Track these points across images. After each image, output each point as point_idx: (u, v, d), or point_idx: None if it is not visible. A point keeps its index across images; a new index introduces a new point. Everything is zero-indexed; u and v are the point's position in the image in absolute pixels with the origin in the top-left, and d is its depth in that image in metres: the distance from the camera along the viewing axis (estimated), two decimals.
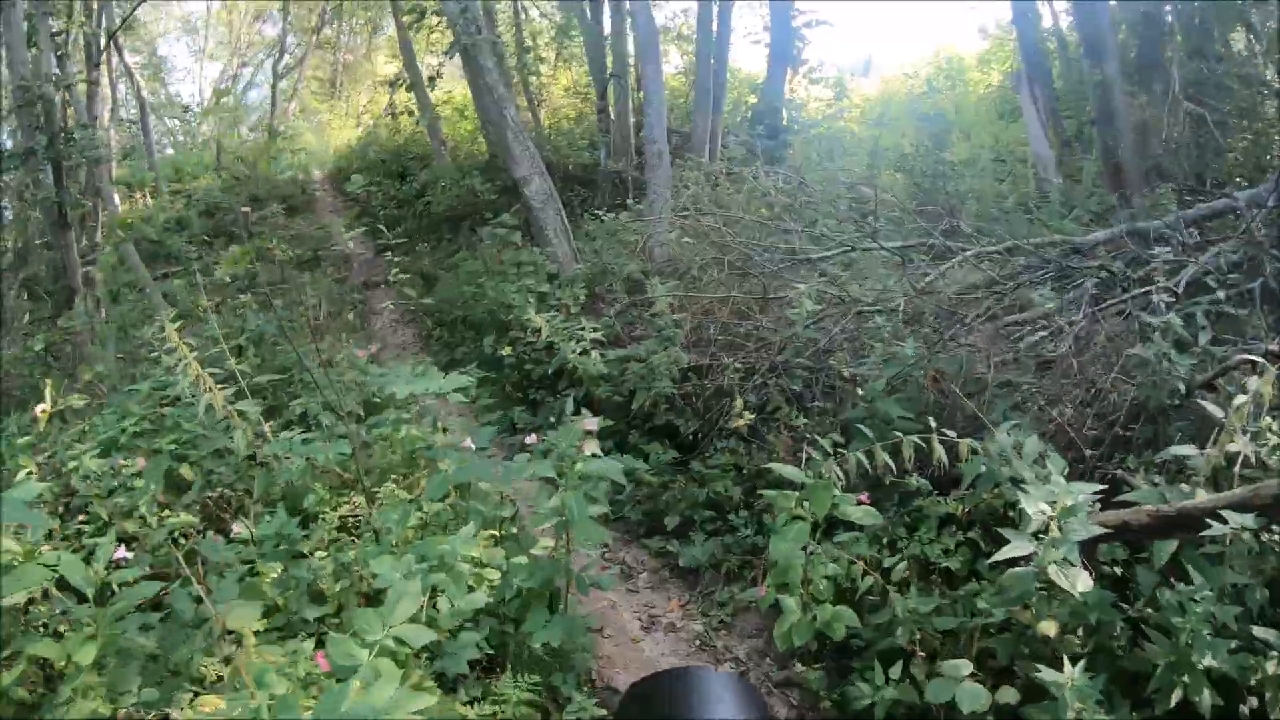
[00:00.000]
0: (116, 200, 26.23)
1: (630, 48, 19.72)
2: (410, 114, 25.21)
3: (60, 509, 6.55)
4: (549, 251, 13.10)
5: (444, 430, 7.32)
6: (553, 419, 9.49)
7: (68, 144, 14.41)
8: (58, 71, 14.85)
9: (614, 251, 12.87)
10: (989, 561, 4.73)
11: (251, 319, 11.54)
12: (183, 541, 5.78)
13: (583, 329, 10.08)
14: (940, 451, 5.29)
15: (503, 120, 13.14)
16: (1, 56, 15.78)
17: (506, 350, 10.73)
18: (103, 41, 24.50)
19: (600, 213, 14.64)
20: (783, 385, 8.15)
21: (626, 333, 10.75)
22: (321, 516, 6.09)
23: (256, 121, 33.97)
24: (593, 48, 21.03)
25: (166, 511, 6.29)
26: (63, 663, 3.94)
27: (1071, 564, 4.29)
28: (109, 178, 22.97)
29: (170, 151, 31.44)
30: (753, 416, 7.85)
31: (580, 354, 9.79)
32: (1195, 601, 4.23)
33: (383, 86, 29.30)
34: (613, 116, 20.44)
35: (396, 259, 20.53)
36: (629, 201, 17.08)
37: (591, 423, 5.69)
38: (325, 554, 5.49)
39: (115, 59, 27.39)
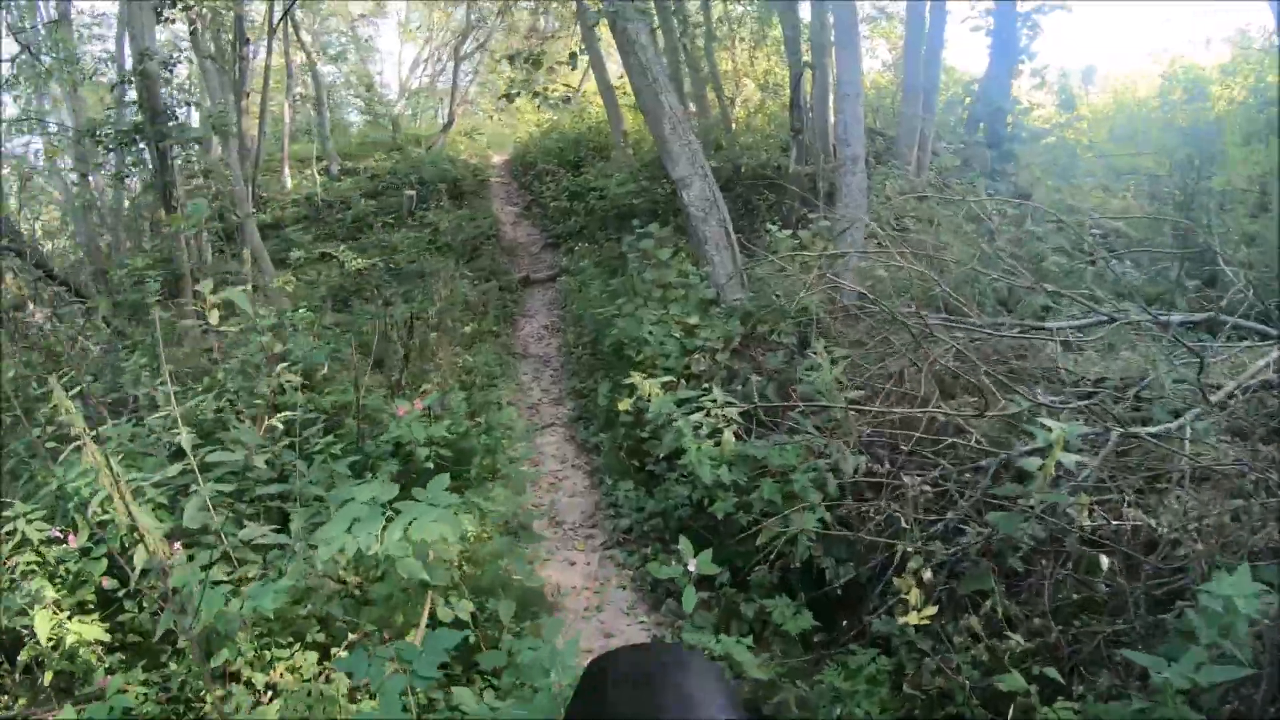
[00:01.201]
0: (288, 176, 25.31)
1: (832, 36, 17.30)
2: (567, 100, 23.38)
3: None
4: (707, 272, 10.74)
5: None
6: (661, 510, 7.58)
7: (168, 123, 12.82)
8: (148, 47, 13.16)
9: (788, 279, 10.48)
10: None
11: (303, 341, 9.07)
12: None
13: (712, 398, 7.43)
14: None
15: (658, 108, 10.75)
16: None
17: (624, 405, 8.05)
18: (275, 18, 23.53)
19: (777, 227, 12.31)
20: (990, 542, 4.96)
21: (781, 402, 7.87)
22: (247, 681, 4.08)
23: (438, 103, 33.03)
24: (789, 31, 18.62)
25: None
26: None
27: None
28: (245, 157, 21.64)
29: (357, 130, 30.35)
30: (930, 611, 4.76)
31: (705, 438, 7.13)
32: None
33: (562, 66, 27.93)
34: (808, 113, 18.03)
35: (558, 257, 18.93)
36: (815, 214, 14.89)
37: (691, 563, 4.64)
38: None
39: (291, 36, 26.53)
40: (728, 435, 6.93)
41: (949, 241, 10.25)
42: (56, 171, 21.37)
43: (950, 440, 5.99)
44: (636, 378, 7.72)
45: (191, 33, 16.60)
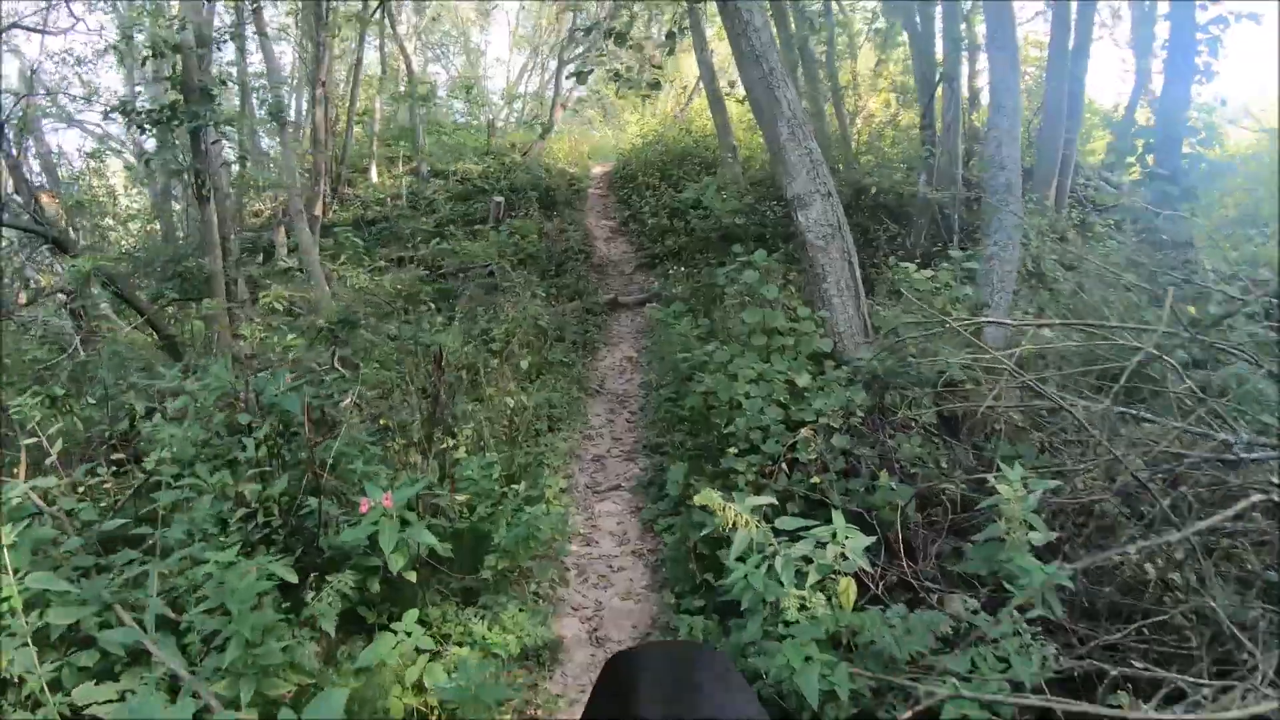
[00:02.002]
0: (375, 174, 23.86)
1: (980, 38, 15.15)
2: (655, 85, 21.35)
3: None
4: (823, 317, 8.53)
5: None
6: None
7: (204, 103, 11.06)
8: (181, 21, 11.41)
9: (925, 331, 8.31)
10: None
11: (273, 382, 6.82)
12: None
13: (829, 531, 4.74)
14: None
15: (773, 105, 8.66)
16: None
17: (701, 499, 5.15)
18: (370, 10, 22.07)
19: (913, 264, 10.15)
20: None
21: (921, 519, 5.76)
22: None
23: (539, 109, 31.43)
24: (920, 41, 16.40)
25: None
26: None
27: None
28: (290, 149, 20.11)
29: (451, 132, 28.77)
30: None
31: (810, 587, 4.57)
32: None
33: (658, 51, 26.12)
34: (938, 132, 15.90)
35: (651, 279, 17.02)
36: (952, 248, 12.74)
37: None
38: None
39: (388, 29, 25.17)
40: (846, 591, 4.53)
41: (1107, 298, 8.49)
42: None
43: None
44: (711, 499, 5.00)
45: (255, 10, 14.94)
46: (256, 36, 16.02)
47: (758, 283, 8.42)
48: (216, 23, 13.87)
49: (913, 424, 6.81)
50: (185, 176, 11.87)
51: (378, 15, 23.41)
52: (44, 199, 14.89)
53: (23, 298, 12.28)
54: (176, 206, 21.68)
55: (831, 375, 7.62)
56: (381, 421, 7.72)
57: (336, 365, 8.51)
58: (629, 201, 21.46)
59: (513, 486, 7.01)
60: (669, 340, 10.90)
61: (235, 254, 12.79)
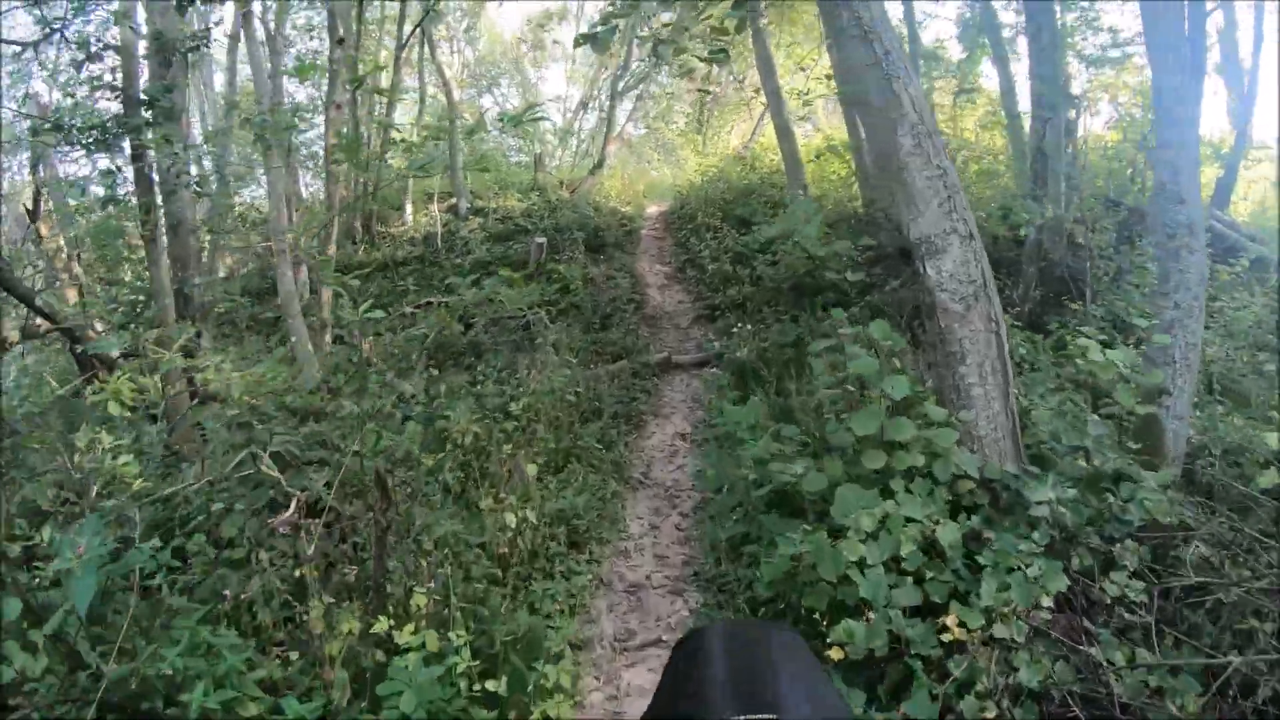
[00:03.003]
0: (409, 211, 21.56)
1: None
2: (722, 52, 18.99)
3: None
4: (963, 419, 5.86)
5: None
6: None
7: (146, 117, 8.71)
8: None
9: (1093, 432, 5.65)
10: None
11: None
12: None
13: None
14: None
15: (891, 105, 5.96)
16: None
17: None
18: (405, 31, 19.85)
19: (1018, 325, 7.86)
20: None
21: None
22: None
23: (593, 146, 29.20)
24: (1040, 54, 13.80)
25: None
26: None
27: None
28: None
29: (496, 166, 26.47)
30: None
31: None
32: None
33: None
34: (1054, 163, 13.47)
35: (711, 334, 14.49)
36: (1082, 306, 10.30)
37: None
38: None
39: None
40: None
41: None
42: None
43: None
44: None
45: (245, 15, 12.61)
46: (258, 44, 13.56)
47: (874, 375, 5.76)
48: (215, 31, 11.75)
49: (1133, 612, 4.13)
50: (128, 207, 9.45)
51: (414, 39, 21.24)
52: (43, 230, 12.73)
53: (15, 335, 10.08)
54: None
55: (995, 523, 4.94)
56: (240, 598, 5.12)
57: (265, 465, 5.94)
58: (687, 244, 18.93)
59: (487, 686, 4.44)
60: (733, 447, 7.93)
61: (215, 298, 10.39)
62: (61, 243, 13.96)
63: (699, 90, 16.55)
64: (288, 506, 6.75)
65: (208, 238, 20.75)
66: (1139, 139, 16.37)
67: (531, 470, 7.94)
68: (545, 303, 15.40)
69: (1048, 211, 12.24)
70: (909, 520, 4.96)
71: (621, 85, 25.67)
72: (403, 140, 19.00)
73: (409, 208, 21.57)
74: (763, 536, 5.90)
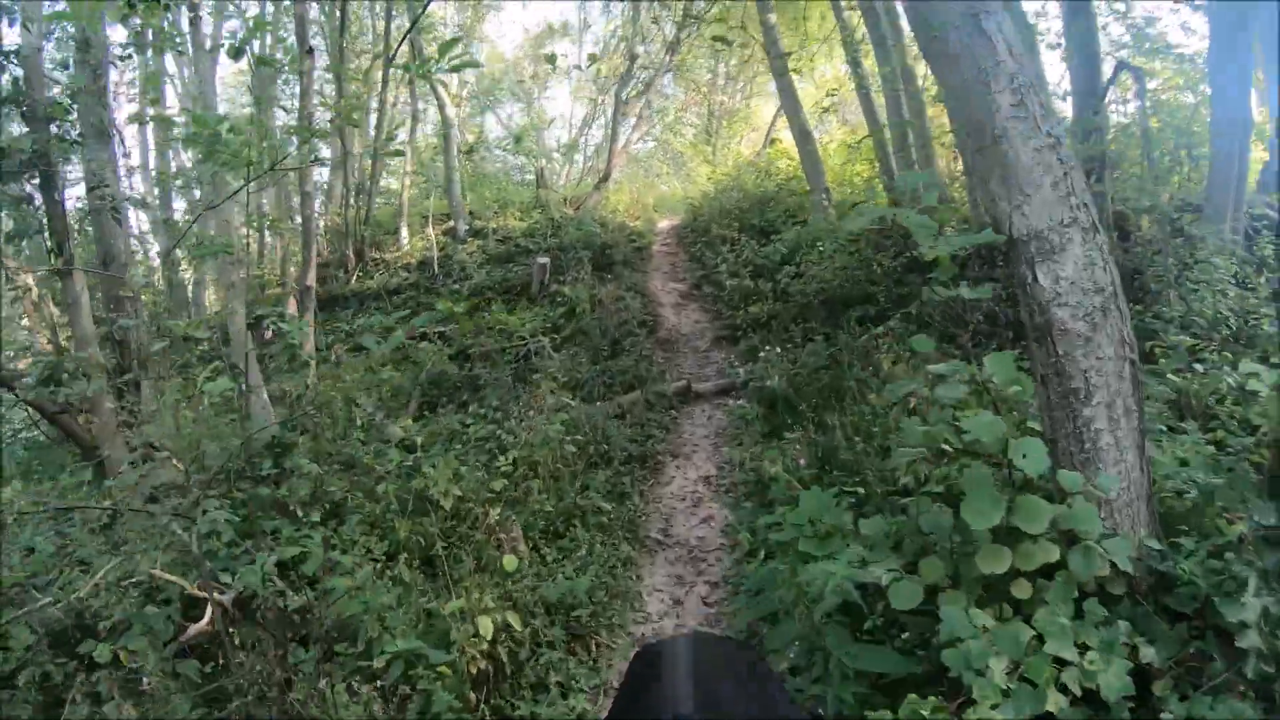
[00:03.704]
0: (405, 234, 20.06)
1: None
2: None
3: None
4: (1091, 481, 4.12)
5: None
6: None
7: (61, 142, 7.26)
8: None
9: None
10: None
11: None
12: None
13: None
14: None
15: (981, 50, 4.30)
16: None
17: None
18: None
19: None
20: None
21: None
22: None
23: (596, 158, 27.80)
24: (1082, 36, 12.19)
25: None
26: None
27: None
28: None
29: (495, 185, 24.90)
30: None
31: None
32: None
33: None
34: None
35: (734, 357, 12.90)
36: (1144, 309, 9.37)
37: None
38: None
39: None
40: None
41: None
42: None
43: None
44: None
45: (192, 20, 11.04)
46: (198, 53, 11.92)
47: (994, 437, 4.10)
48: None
49: None
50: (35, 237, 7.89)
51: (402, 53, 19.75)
52: None
53: None
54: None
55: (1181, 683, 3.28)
56: None
57: (160, 570, 4.35)
58: (702, 259, 17.36)
59: None
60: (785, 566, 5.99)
61: (145, 341, 8.82)
62: None
63: (716, 41, 15.14)
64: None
65: (189, 271, 19.46)
66: (1178, 125, 14.87)
67: (510, 563, 6.26)
68: (549, 329, 13.91)
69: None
70: (1057, 660, 3.33)
71: (625, 95, 24.11)
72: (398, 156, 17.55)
73: (404, 231, 20.02)
74: (831, 674, 4.18)
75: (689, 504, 8.86)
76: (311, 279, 13.19)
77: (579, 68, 26.18)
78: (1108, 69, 12.94)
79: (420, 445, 8.36)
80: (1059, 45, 12.97)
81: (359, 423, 10.19)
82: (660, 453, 9.96)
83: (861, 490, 6.59)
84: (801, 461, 8.22)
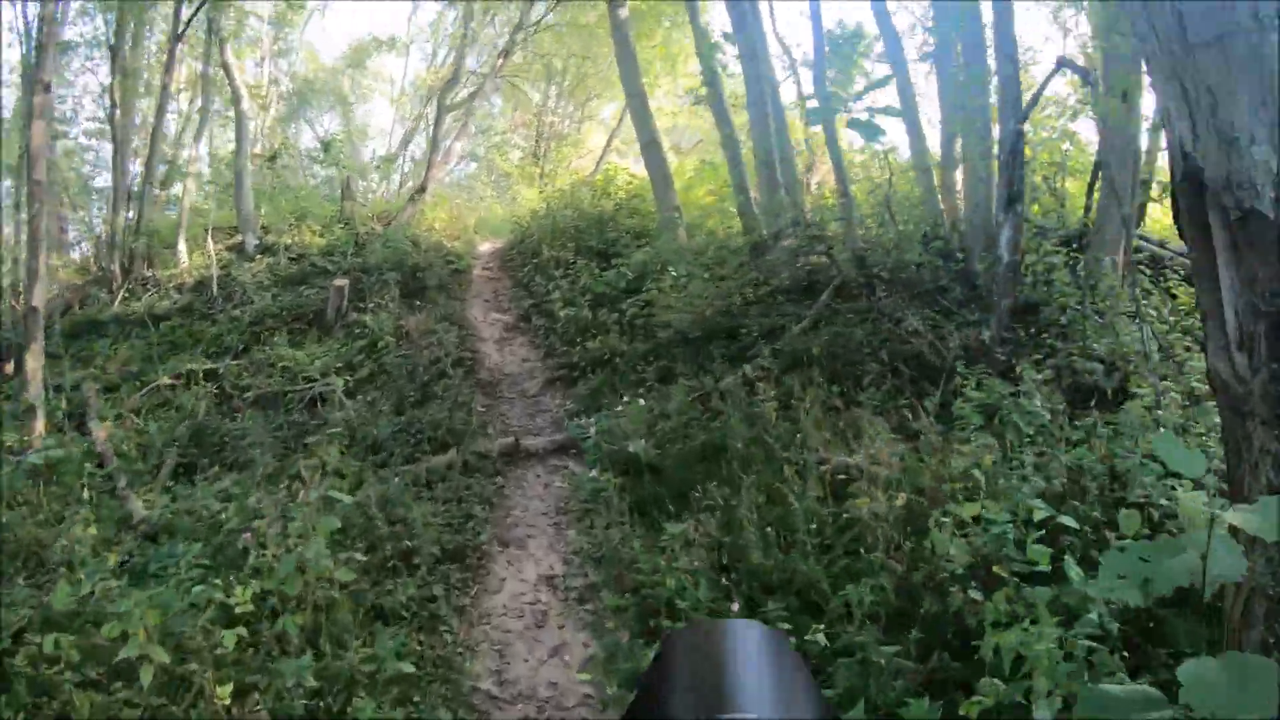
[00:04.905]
0: (183, 250, 16.76)
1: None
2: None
3: None
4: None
5: None
6: None
7: None
8: None
9: None
10: None
11: None
12: None
13: None
14: None
15: None
16: None
17: None
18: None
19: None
20: None
21: None
22: None
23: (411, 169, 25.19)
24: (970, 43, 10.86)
25: None
26: None
27: None
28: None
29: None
30: None
31: None
32: None
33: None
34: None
35: (572, 404, 10.43)
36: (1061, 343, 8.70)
37: None
38: None
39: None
40: None
41: None
42: None
43: None
44: None
45: None
46: None
47: None
48: None
49: None
50: None
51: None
52: None
53: None
54: None
55: None
56: None
57: None
58: (530, 285, 14.72)
59: None
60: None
61: None
62: None
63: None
64: None
65: None
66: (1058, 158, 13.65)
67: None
68: (344, 367, 11.10)
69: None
70: None
71: (449, 100, 21.41)
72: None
73: (182, 245, 16.65)
74: None
75: (529, 624, 6.16)
76: (40, 298, 10.20)
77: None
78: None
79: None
80: None
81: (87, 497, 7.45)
82: (485, 544, 7.23)
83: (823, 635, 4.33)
84: (696, 563, 5.80)
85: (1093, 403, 7.58)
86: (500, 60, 21.96)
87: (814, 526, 6.09)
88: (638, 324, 11.70)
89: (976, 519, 5.24)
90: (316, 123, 31.17)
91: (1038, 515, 4.89)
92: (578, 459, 8.91)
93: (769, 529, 6.08)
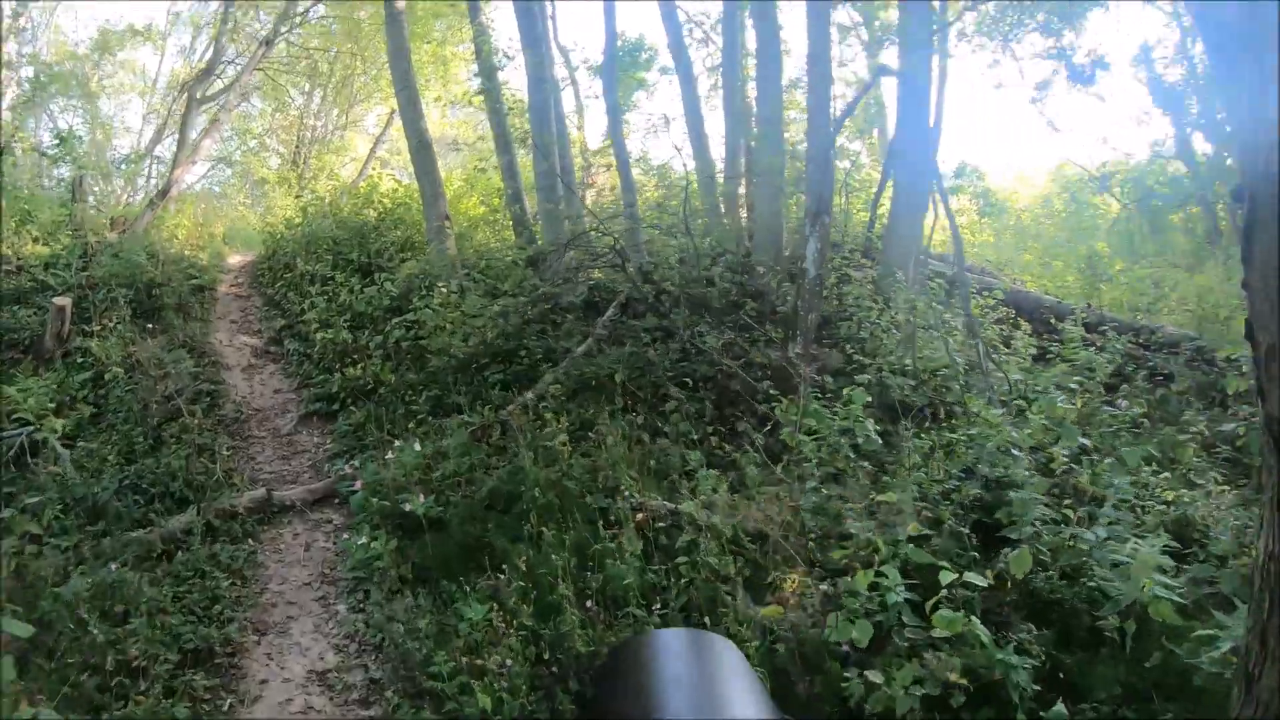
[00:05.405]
0: None
1: None
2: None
3: None
4: None
5: None
6: None
7: None
8: None
9: None
10: None
11: None
12: None
13: None
14: None
15: None
16: None
17: None
18: None
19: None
20: None
21: None
22: None
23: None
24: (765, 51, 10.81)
25: None
26: None
27: None
28: None
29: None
30: None
31: None
32: None
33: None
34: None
35: (333, 442, 9.17)
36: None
37: None
38: None
39: None
40: None
41: None
42: None
43: None
44: None
45: None
46: None
47: None
48: None
49: None
50: None
51: None
52: None
53: None
54: None
55: None
56: None
57: None
58: (283, 304, 13.28)
59: None
60: None
61: None
62: None
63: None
64: None
65: None
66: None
67: None
68: (65, 405, 9.43)
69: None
70: None
71: (202, 92, 19.51)
72: None
73: None
74: None
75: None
76: None
77: None
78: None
79: None
80: None
81: None
82: (237, 632, 5.91)
83: None
84: (509, 661, 4.78)
85: (910, 419, 7.44)
86: (261, 50, 20.11)
87: (641, 595, 5.23)
88: (405, 346, 10.60)
89: (874, 587, 4.77)
90: (61, 116, 28.13)
91: (945, 577, 4.53)
92: (343, 510, 7.74)
93: (590, 604, 5.13)
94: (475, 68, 15.87)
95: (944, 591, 4.50)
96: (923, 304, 9.35)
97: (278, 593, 6.63)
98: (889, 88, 17.35)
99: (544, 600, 5.33)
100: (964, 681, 4.19)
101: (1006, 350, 9.16)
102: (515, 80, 25.09)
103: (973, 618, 4.39)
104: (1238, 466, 7.15)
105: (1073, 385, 7.91)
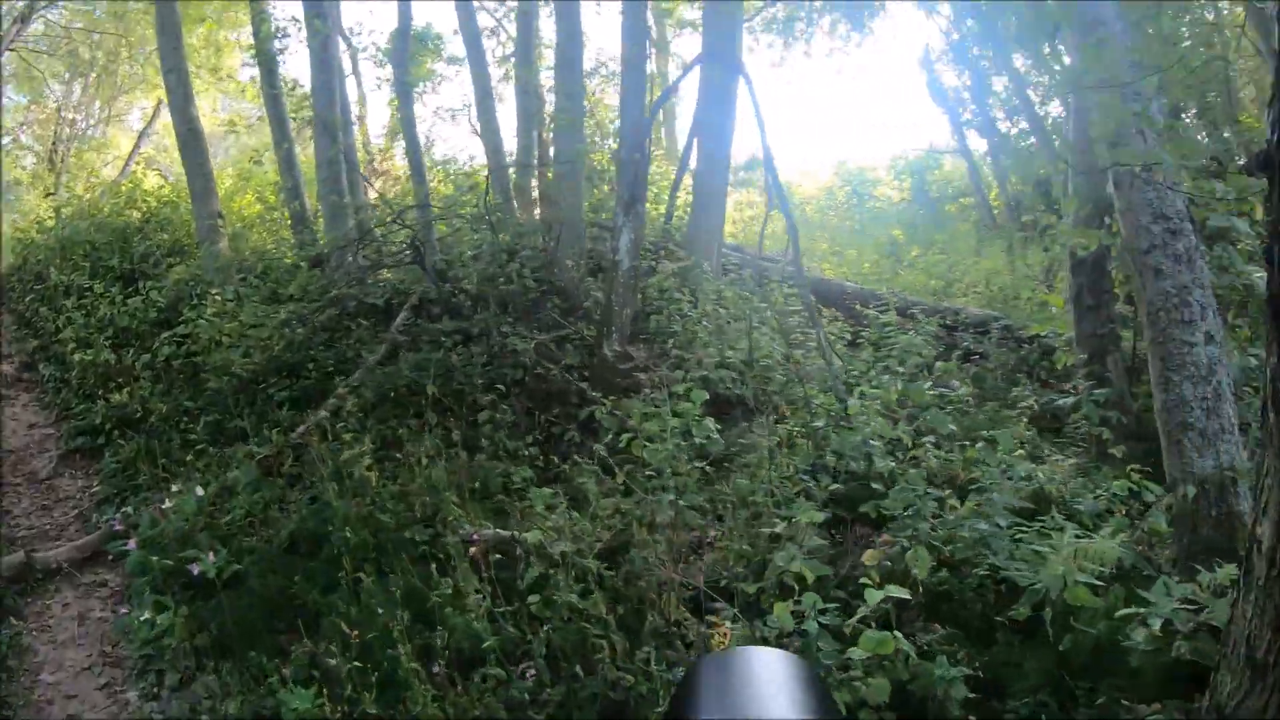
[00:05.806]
0: None
1: None
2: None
3: None
4: None
5: None
6: None
7: None
8: None
9: None
10: None
11: None
12: None
13: None
14: None
15: None
16: None
17: None
18: None
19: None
20: None
21: None
22: None
23: None
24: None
25: None
26: None
27: None
28: None
29: None
30: None
31: None
32: None
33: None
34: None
35: (99, 485, 8.05)
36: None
37: None
38: None
39: None
40: None
41: None
42: None
43: None
44: None
45: None
46: None
47: None
48: None
49: None
50: None
51: None
52: None
53: None
54: None
55: None
56: None
57: None
58: (35, 322, 11.87)
59: None
60: None
61: None
62: None
63: None
64: None
65: None
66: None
67: None
68: None
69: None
70: None
71: None
72: None
73: None
74: None
75: None
76: None
77: None
78: None
79: None
80: None
81: None
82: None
83: None
84: None
85: (737, 414, 7.54)
86: (16, 27, 18.28)
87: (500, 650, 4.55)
88: (177, 365, 9.59)
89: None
90: None
91: (872, 596, 4.24)
92: (119, 567, 6.69)
93: (438, 667, 4.39)
94: (251, 54, 14.70)
95: (864, 610, 4.25)
96: (731, 294, 9.32)
97: (53, 685, 5.52)
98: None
99: (379, 667, 4.53)
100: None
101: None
102: (295, 69, 24.00)
103: (897, 634, 4.11)
104: (1063, 438, 7.52)
105: (899, 369, 7.94)
